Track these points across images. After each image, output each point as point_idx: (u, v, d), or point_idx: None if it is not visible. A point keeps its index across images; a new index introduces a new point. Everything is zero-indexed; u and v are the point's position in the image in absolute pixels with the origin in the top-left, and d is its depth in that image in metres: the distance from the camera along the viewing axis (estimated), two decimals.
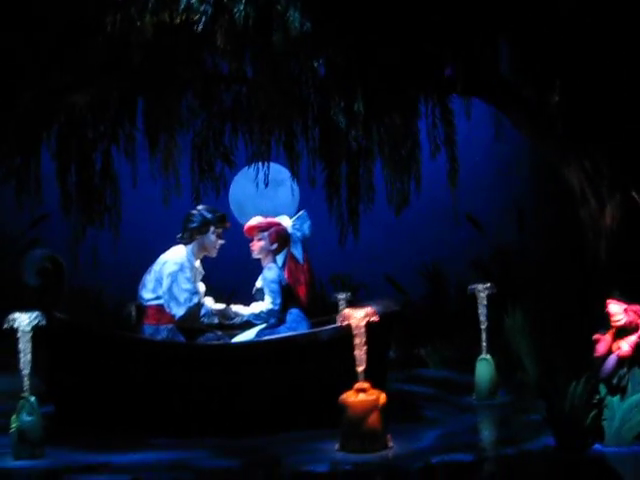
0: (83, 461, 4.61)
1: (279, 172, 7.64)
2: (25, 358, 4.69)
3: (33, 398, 4.68)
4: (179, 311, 5.44)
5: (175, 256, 5.59)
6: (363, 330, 4.57)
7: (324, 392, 4.82)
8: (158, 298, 5.51)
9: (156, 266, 5.59)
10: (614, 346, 4.40)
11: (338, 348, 4.83)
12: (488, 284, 5.81)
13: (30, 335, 4.70)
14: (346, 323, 4.65)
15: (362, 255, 7.91)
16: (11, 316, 4.73)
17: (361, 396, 4.53)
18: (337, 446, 4.58)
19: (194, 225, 5.66)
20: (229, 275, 7.96)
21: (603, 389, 4.36)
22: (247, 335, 5.61)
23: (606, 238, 6.19)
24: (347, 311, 4.73)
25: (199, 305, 5.51)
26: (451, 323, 7.59)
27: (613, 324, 4.44)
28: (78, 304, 5.34)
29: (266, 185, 7.00)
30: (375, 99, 6.05)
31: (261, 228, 5.78)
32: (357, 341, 4.58)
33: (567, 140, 6.50)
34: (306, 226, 5.80)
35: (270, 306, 5.58)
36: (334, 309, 6.43)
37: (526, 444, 4.54)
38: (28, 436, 4.63)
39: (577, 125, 6.32)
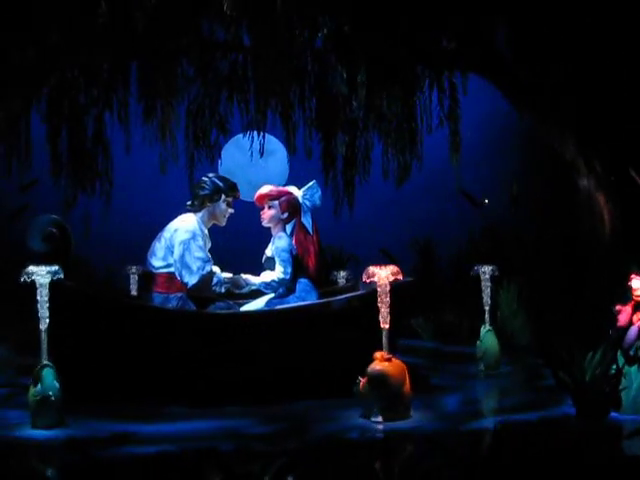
0: (108, 430, 4.41)
1: (269, 142, 7.57)
2: (43, 312, 4.49)
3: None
4: (192, 279, 5.35)
5: (186, 224, 5.47)
6: (388, 288, 4.55)
7: (339, 360, 4.86)
8: (168, 266, 5.41)
9: (166, 233, 5.47)
10: (634, 318, 4.46)
11: (355, 316, 4.92)
12: (492, 266, 5.81)
13: (48, 289, 4.50)
14: (371, 280, 4.62)
15: (354, 227, 7.88)
16: (29, 269, 4.49)
17: (388, 365, 4.50)
18: (361, 413, 4.56)
19: (205, 192, 5.54)
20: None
21: (621, 359, 4.40)
22: (256, 304, 5.55)
23: (602, 216, 6.22)
24: (372, 268, 4.66)
25: (211, 273, 5.43)
26: (441, 296, 7.62)
27: (635, 297, 4.53)
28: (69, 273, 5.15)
29: (261, 155, 6.94)
30: (376, 70, 6.00)
31: (272, 197, 5.68)
32: (382, 298, 4.57)
33: (565, 121, 6.51)
34: (317, 196, 5.71)
35: (281, 275, 5.51)
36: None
37: (545, 411, 4.61)
38: (52, 404, 4.46)
39: (576, 106, 6.34)
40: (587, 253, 6.37)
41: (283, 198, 5.66)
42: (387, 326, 4.55)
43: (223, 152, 8.74)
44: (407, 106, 6.07)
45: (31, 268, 4.51)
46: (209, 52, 6.70)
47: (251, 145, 6.87)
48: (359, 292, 5.32)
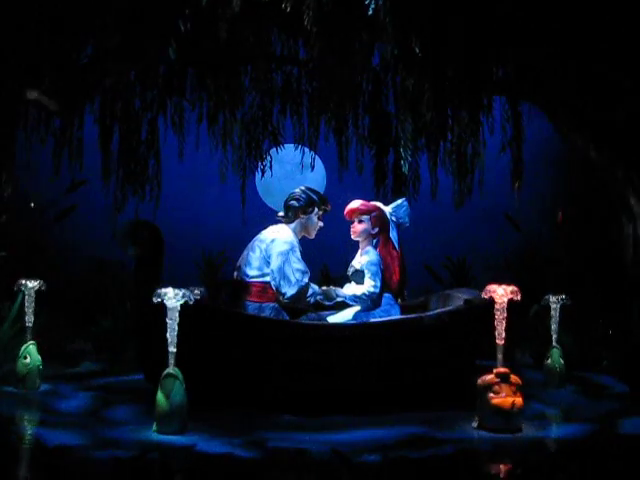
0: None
1: (307, 155, 7.60)
2: (172, 334, 4.52)
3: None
4: (290, 290, 5.38)
5: (284, 235, 5.52)
6: (505, 305, 4.70)
7: (441, 373, 5.03)
8: (263, 275, 5.44)
9: (261, 244, 5.51)
10: None
11: (445, 331, 5.08)
12: (563, 296, 5.90)
13: (177, 311, 4.55)
14: (489, 296, 4.76)
15: None
16: (161, 290, 4.55)
17: (505, 378, 4.63)
18: (475, 424, 4.69)
19: (300, 204, 5.60)
20: None
21: None
22: (343, 316, 5.55)
23: None
24: (491, 286, 4.79)
25: (308, 285, 5.46)
26: None
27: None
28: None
29: (312, 168, 6.98)
30: (441, 91, 6.05)
31: (362, 211, 5.73)
32: (498, 315, 4.71)
33: (617, 154, 6.58)
34: (405, 214, 5.80)
35: (372, 289, 5.55)
36: None
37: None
38: (180, 411, 4.50)
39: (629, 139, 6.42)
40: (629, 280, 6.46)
41: (374, 213, 5.71)
42: (502, 342, 4.68)
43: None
44: (471, 130, 6.11)
45: (164, 290, 4.54)
46: (267, 63, 6.74)
47: (301, 158, 7.01)
48: (450, 308, 5.36)
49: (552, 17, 6.09)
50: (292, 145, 7.41)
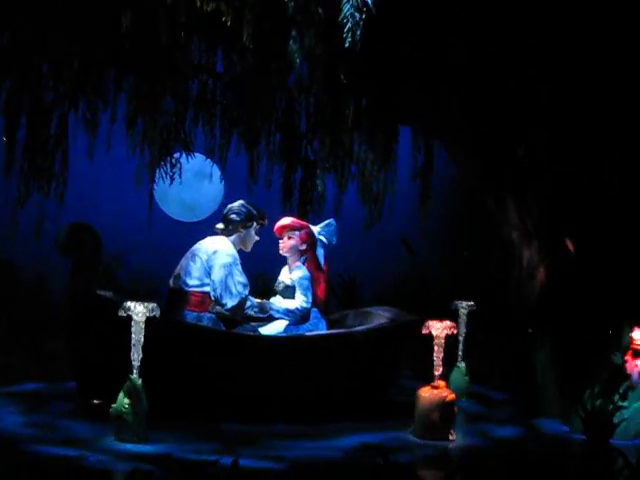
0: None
1: (205, 165, 7.71)
2: (137, 348, 4.63)
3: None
4: (230, 302, 5.51)
5: (225, 247, 5.66)
6: (443, 340, 5.22)
7: (368, 385, 5.51)
8: (203, 285, 5.54)
9: (202, 254, 5.62)
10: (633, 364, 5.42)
11: (383, 345, 5.60)
12: (471, 302, 6.40)
13: (143, 325, 4.66)
14: (428, 332, 5.27)
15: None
16: (126, 304, 4.67)
17: (436, 391, 5.17)
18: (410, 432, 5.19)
19: (240, 219, 5.76)
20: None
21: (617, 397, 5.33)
22: (274, 328, 5.74)
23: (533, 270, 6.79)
24: (430, 322, 5.28)
25: (247, 297, 5.60)
26: None
27: (635, 346, 5.45)
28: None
29: (210, 177, 7.13)
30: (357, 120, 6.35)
31: (293, 228, 5.95)
32: (437, 349, 5.24)
33: (504, 185, 7.08)
34: (333, 234, 6.07)
35: (304, 304, 5.78)
36: None
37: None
38: (135, 419, 4.56)
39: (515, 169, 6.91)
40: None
41: (303, 230, 5.95)
42: (439, 372, 5.26)
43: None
44: (384, 157, 6.42)
45: (129, 304, 4.64)
46: (186, 71, 6.78)
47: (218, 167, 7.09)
48: (379, 324, 5.84)
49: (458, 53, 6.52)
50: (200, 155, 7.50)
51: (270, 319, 5.80)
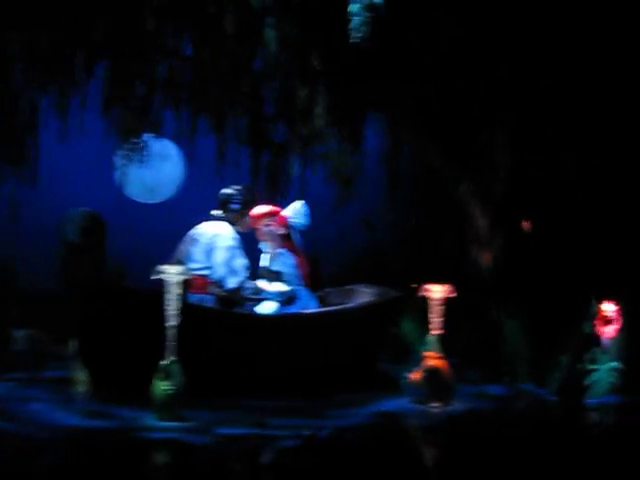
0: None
1: (166, 147, 7.83)
2: (172, 310, 4.79)
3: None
4: (233, 283, 5.71)
5: (227, 230, 5.84)
6: (440, 302, 5.48)
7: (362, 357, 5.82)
8: (205, 269, 5.71)
9: (202, 238, 5.78)
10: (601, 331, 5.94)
11: (375, 319, 5.94)
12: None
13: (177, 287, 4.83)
14: (427, 295, 5.53)
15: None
16: (160, 267, 4.83)
17: (434, 361, 5.50)
18: (414, 400, 5.49)
19: (238, 206, 5.96)
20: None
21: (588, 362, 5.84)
22: (267, 308, 5.93)
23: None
24: (428, 286, 5.56)
25: (246, 279, 5.81)
26: None
27: (603, 317, 5.89)
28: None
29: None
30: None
31: (267, 215, 6.12)
32: (435, 311, 5.47)
33: (462, 164, 7.46)
34: (304, 215, 6.21)
35: (294, 285, 6.00)
36: None
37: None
38: (181, 398, 4.74)
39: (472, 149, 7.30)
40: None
41: (276, 217, 6.13)
42: (438, 332, 5.46)
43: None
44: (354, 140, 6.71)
45: (164, 267, 4.80)
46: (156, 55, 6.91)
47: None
48: (370, 301, 6.12)
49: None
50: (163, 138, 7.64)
51: (260, 300, 6.00)
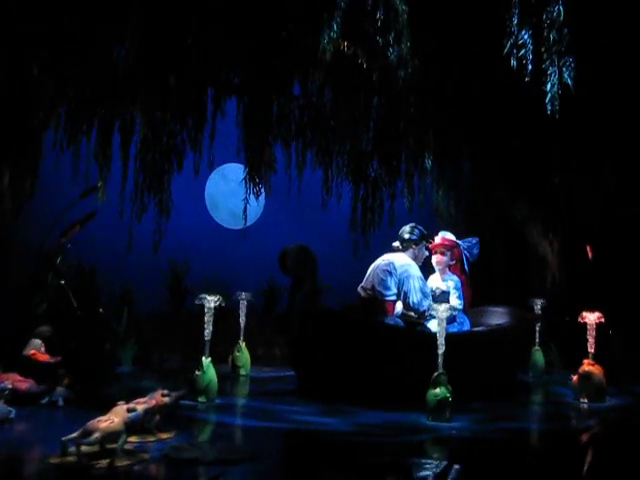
0: None
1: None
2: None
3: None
4: (426, 305, 6.53)
5: (411, 262, 6.68)
6: (595, 327, 6.59)
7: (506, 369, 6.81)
8: (394, 295, 6.53)
9: (392, 269, 6.58)
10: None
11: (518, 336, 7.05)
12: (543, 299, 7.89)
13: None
14: (583, 321, 6.61)
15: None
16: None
17: (594, 367, 6.56)
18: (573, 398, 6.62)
19: (414, 238, 6.80)
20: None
21: None
22: (433, 327, 6.42)
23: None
24: (585, 313, 6.65)
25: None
26: None
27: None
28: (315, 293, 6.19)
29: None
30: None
31: (447, 246, 7.03)
32: (590, 334, 6.57)
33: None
34: (476, 250, 7.12)
35: (458, 306, 6.82)
36: None
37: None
38: (450, 403, 5.57)
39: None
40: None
41: (455, 249, 7.08)
42: (592, 350, 6.61)
43: (208, 181, 9.53)
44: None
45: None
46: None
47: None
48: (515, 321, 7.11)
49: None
50: (236, 164, 8.22)
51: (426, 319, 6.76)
